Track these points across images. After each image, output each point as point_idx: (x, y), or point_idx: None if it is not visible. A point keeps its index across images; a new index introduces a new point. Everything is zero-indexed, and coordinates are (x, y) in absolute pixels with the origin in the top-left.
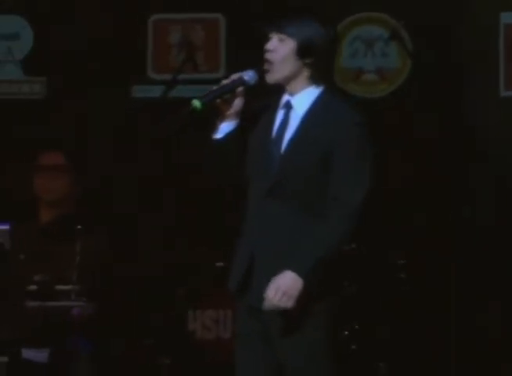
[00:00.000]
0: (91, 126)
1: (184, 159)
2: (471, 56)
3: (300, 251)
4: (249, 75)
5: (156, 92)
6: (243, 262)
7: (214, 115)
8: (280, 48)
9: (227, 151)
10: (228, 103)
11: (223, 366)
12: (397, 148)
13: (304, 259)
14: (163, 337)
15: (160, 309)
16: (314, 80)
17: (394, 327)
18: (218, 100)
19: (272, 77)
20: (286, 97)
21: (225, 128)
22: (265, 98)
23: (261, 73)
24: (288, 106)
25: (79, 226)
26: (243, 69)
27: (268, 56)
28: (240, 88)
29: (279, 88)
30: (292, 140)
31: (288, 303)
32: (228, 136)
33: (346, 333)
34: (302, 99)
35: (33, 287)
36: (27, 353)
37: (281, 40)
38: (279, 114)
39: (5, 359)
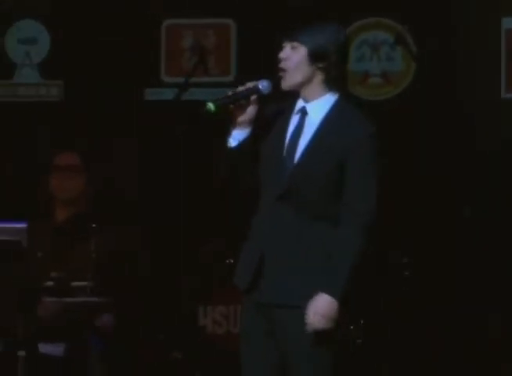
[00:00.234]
0: (106, 128)
1: (197, 159)
2: (473, 60)
3: (329, 272)
4: (263, 85)
5: (168, 94)
6: (253, 263)
7: (228, 120)
8: (293, 56)
9: (241, 159)
10: (242, 109)
11: (233, 359)
12: (400, 148)
13: (334, 281)
14: (175, 333)
15: (171, 305)
16: (328, 85)
17: (395, 327)
18: (232, 105)
19: (286, 84)
20: (300, 103)
21: (238, 135)
22: (279, 103)
23: (276, 80)
24: (303, 112)
25: (93, 225)
26: (252, 73)
27: (281, 64)
28: (254, 96)
29: (293, 94)
30: (307, 148)
31: (328, 324)
32: (242, 144)
33: (352, 327)
34: (318, 106)
35: (49, 283)
36: (44, 348)
37: (293, 48)
38: (294, 120)
39: (22, 353)
